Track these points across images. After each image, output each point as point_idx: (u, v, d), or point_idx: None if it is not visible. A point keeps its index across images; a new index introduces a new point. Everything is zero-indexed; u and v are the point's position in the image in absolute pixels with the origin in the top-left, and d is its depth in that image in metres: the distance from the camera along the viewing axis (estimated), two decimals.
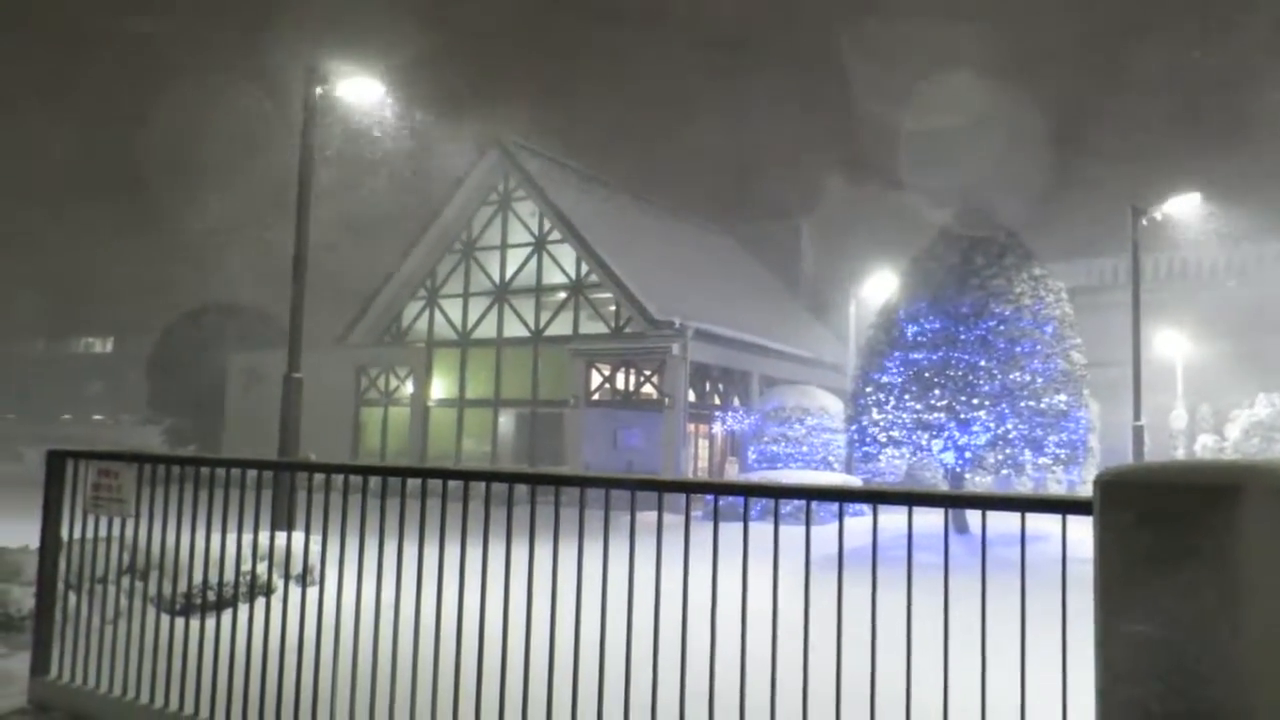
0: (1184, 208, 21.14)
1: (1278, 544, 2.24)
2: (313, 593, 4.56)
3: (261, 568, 7.23)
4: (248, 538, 5.41)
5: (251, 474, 4.70)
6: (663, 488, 3.74)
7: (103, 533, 5.07)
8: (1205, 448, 31.53)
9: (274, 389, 13.50)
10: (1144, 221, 20.55)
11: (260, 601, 4.84)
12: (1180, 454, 31.40)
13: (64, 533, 5.19)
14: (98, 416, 65.02)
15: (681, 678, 3.42)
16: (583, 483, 3.76)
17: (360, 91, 13.70)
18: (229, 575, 5.81)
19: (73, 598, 5.19)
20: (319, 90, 13.12)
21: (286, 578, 5.74)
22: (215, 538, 4.74)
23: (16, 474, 18.63)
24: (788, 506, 3.50)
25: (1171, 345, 32.70)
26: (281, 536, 7.56)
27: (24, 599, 6.17)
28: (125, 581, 5.75)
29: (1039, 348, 16.70)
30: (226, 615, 4.65)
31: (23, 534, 6.96)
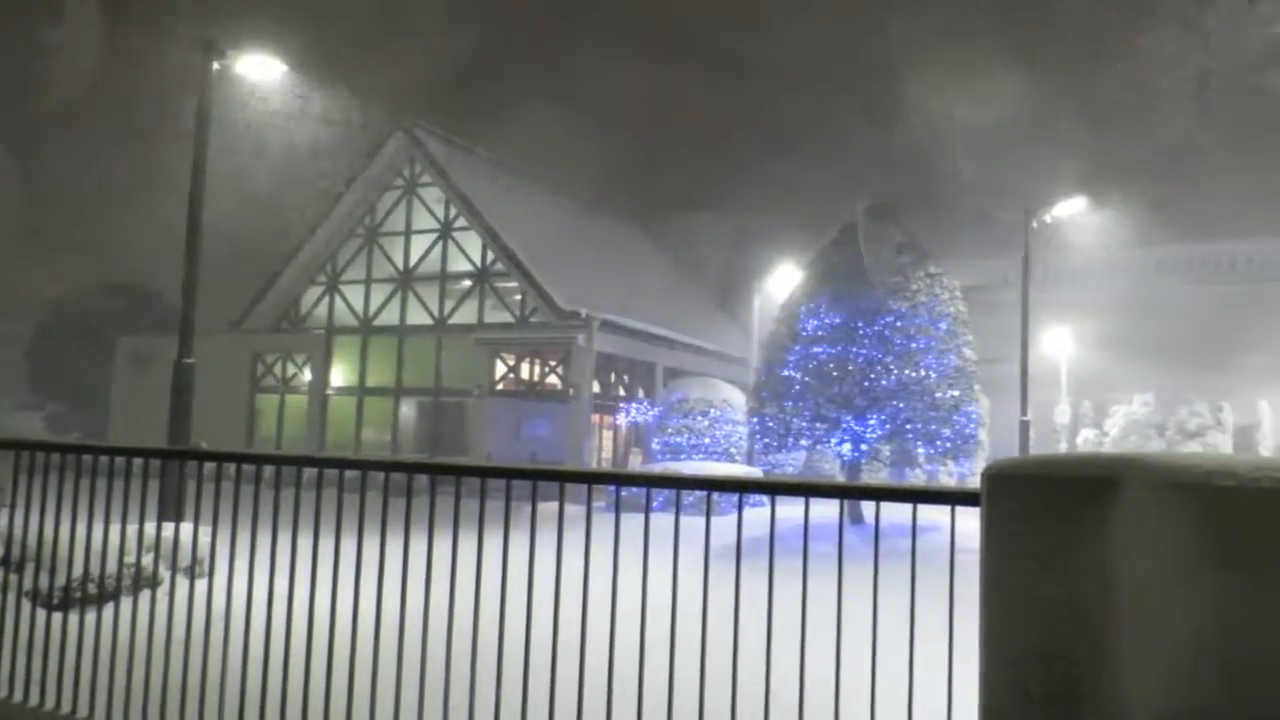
0: (1072, 211, 22.07)
1: (1151, 534, 2.35)
2: (202, 585, 4.42)
3: (148, 560, 6.96)
4: (133, 528, 5.19)
5: (139, 463, 4.52)
6: (565, 478, 3.73)
7: None
8: (1086, 442, 33.05)
9: (164, 374, 13.00)
10: (1035, 224, 21.38)
11: (146, 594, 4.66)
12: (1063, 447, 32.83)
13: None
14: None
15: (581, 667, 3.43)
16: (484, 473, 3.73)
17: (261, 68, 13.26)
18: (112, 568, 5.57)
19: None
20: (216, 65, 12.66)
21: (174, 570, 5.54)
22: (98, 528, 4.53)
23: None
24: (689, 498, 3.54)
25: (1057, 344, 34.13)
26: (170, 527, 7.30)
27: None
28: None
29: (934, 344, 17.24)
30: (109, 609, 4.47)
31: None
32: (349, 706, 3.71)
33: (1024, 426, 20.38)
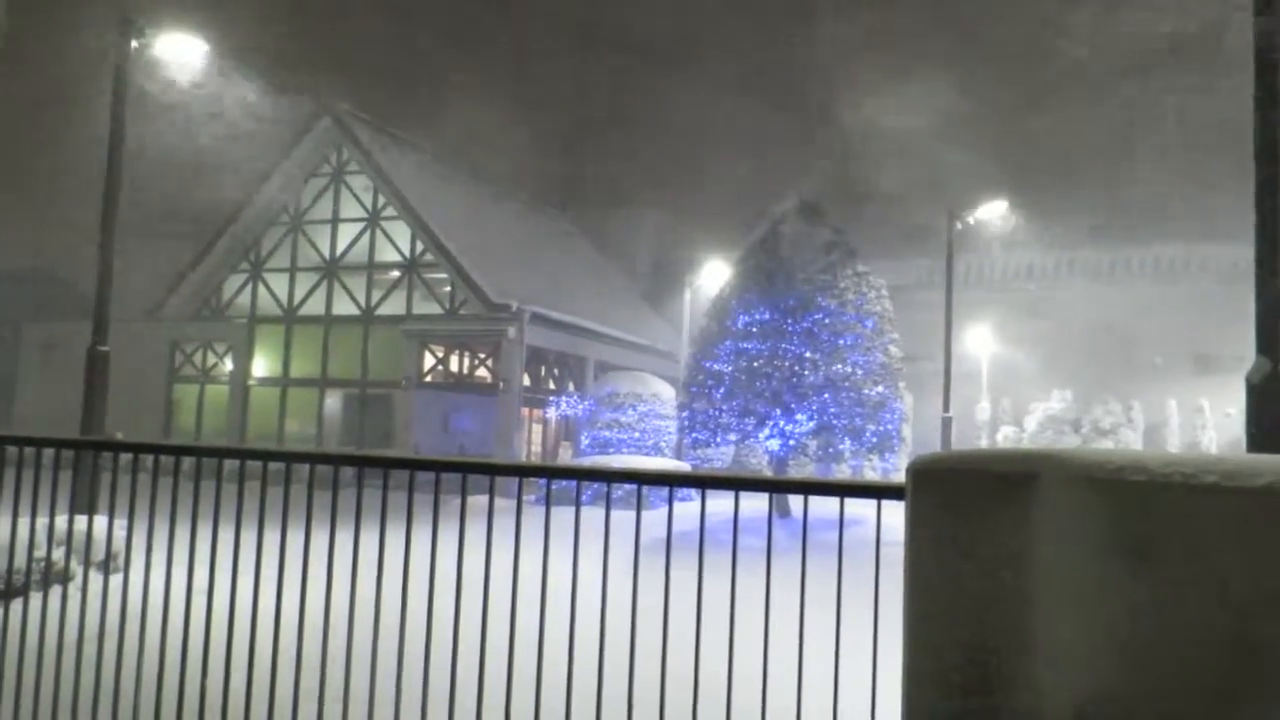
0: (993, 214, 22.65)
1: (1067, 527, 2.43)
2: (116, 580, 4.28)
3: (58, 554, 6.73)
4: (42, 522, 5.01)
5: (49, 454, 4.35)
6: (495, 471, 3.70)
7: None
8: (1006, 438, 33.98)
9: (75, 363, 12.55)
10: (958, 225, 21.88)
11: (56, 590, 4.50)
12: (984, 443, 33.71)
13: None
14: None
15: (509, 662, 3.41)
16: (413, 465, 3.68)
17: (181, 48, 12.87)
18: (20, 562, 5.37)
19: None
20: (134, 44, 12.25)
21: (87, 564, 5.36)
22: (4, 522, 4.36)
23: None
24: (619, 491, 3.55)
25: (978, 342, 35.01)
26: (82, 520, 7.05)
27: None
28: None
29: (860, 341, 17.54)
30: (16, 605, 4.30)
31: None
32: (270, 705, 3.64)
33: (946, 423, 20.88)
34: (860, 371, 17.41)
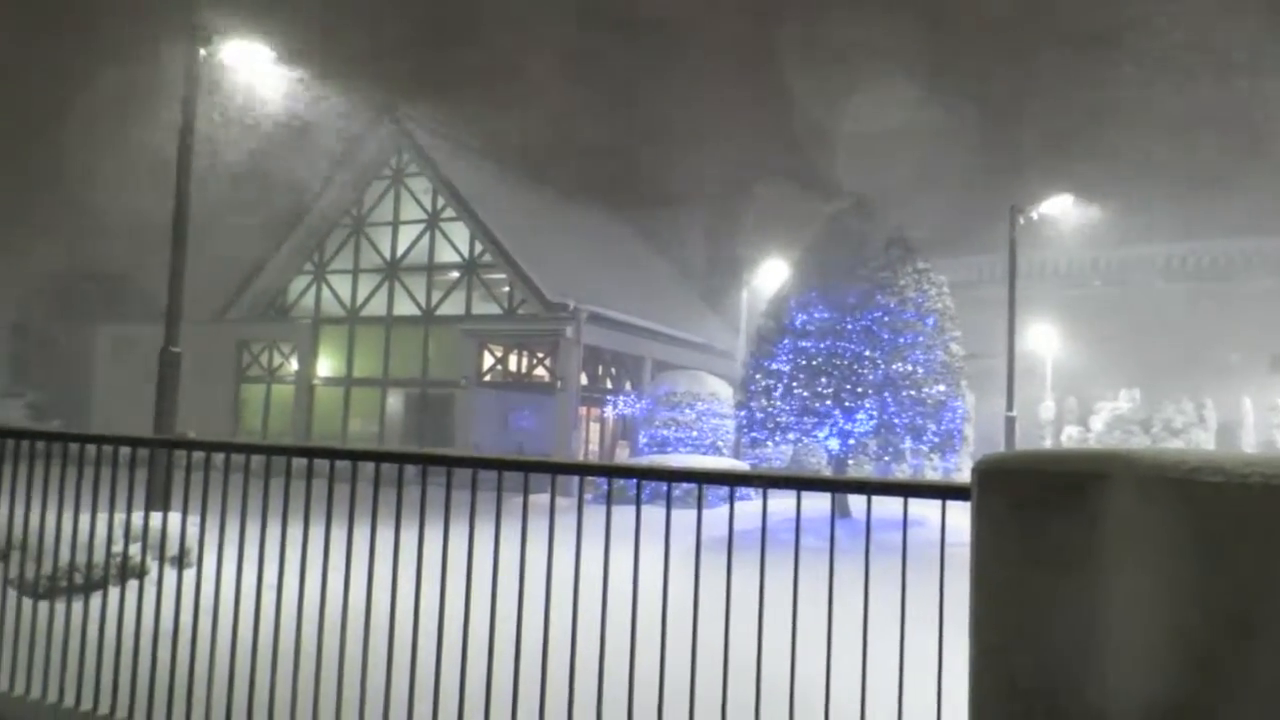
0: (1058, 209, 22.17)
1: (1138, 528, 2.37)
2: (189, 575, 4.40)
3: (134, 549, 6.94)
4: (119, 518, 5.17)
5: (125, 452, 4.49)
6: (556, 470, 3.73)
7: None
8: (1070, 438, 33.25)
9: (148, 363, 12.92)
10: (1021, 220, 21.46)
11: (132, 584, 4.64)
12: (1048, 444, 33.03)
13: None
14: None
15: (571, 658, 3.44)
16: (475, 464, 3.72)
17: (248, 55, 13.17)
18: (98, 557, 5.55)
19: None
20: (203, 52, 12.56)
21: (162, 560, 5.52)
22: (84, 518, 4.51)
23: None
24: (677, 490, 3.55)
25: (1042, 340, 34.30)
26: (156, 517, 7.26)
27: None
28: None
29: (921, 339, 17.31)
30: (96, 599, 4.45)
31: None
32: (338, 696, 3.71)
33: (1010, 422, 20.49)
34: (921, 370, 17.18)
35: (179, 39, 12.73)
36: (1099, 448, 2.71)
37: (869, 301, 17.35)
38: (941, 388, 17.24)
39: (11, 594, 4.89)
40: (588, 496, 3.59)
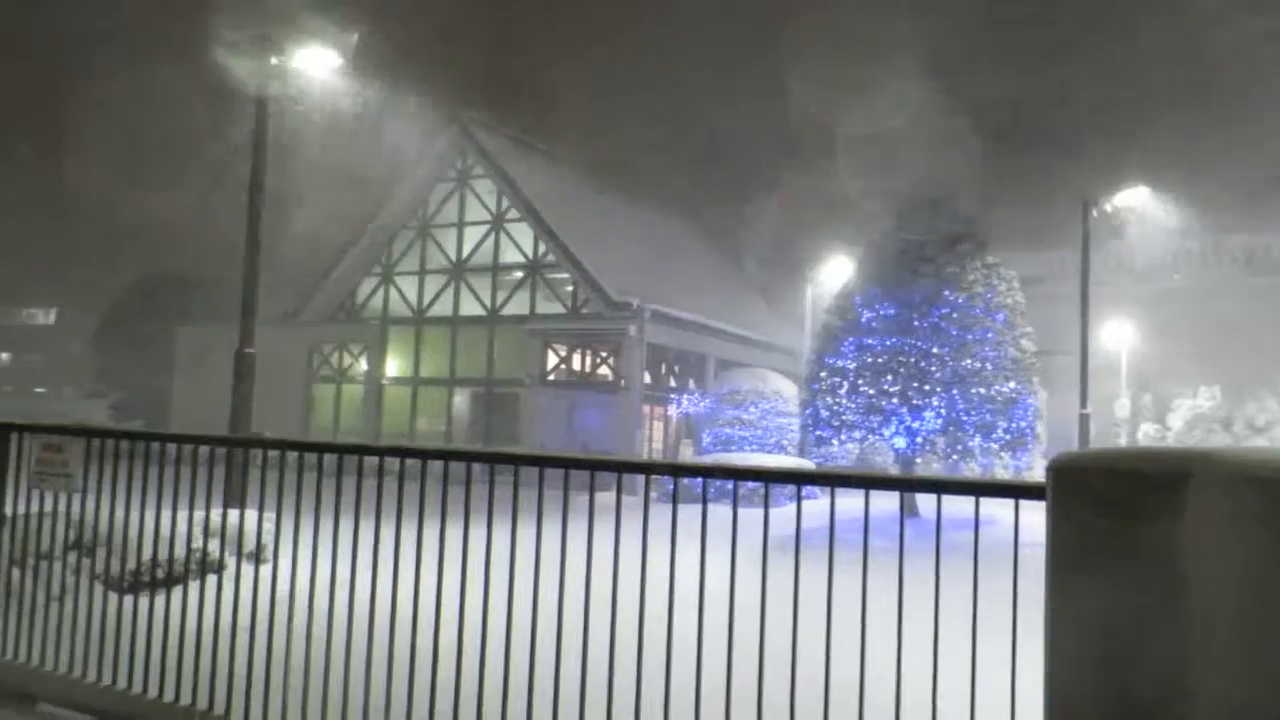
0: (1133, 201, 21.56)
1: (1224, 531, 2.30)
2: (265, 571, 4.51)
3: (212, 545, 7.14)
4: (198, 515, 5.32)
5: (203, 450, 4.62)
6: (622, 468, 3.74)
7: (48, 508, 4.96)
8: (1147, 436, 32.33)
9: (224, 364, 13.27)
10: (1094, 214, 20.93)
11: (211, 579, 4.78)
12: (1123, 442, 32.15)
13: (7, 508, 5.07)
14: (39, 389, 63.51)
15: (639, 657, 3.44)
16: (542, 462, 3.75)
17: (317, 61, 13.45)
18: (178, 552, 5.72)
19: (17, 574, 5.08)
20: (274, 60, 12.86)
21: (239, 556, 5.67)
22: (165, 514, 4.65)
23: None
24: (742, 489, 3.54)
25: (1117, 335, 33.39)
26: (233, 514, 7.46)
27: None
28: (71, 558, 5.63)
29: (990, 335, 17.00)
30: (176, 593, 4.58)
31: None
32: (410, 691, 3.77)
33: (1083, 420, 19.99)
34: (990, 367, 16.86)
35: (251, 47, 13.05)
36: (1180, 446, 2.64)
37: (936, 298, 17.07)
38: (1012, 385, 16.89)
39: (97, 588, 5.07)
40: (652, 495, 3.59)
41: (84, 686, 4.60)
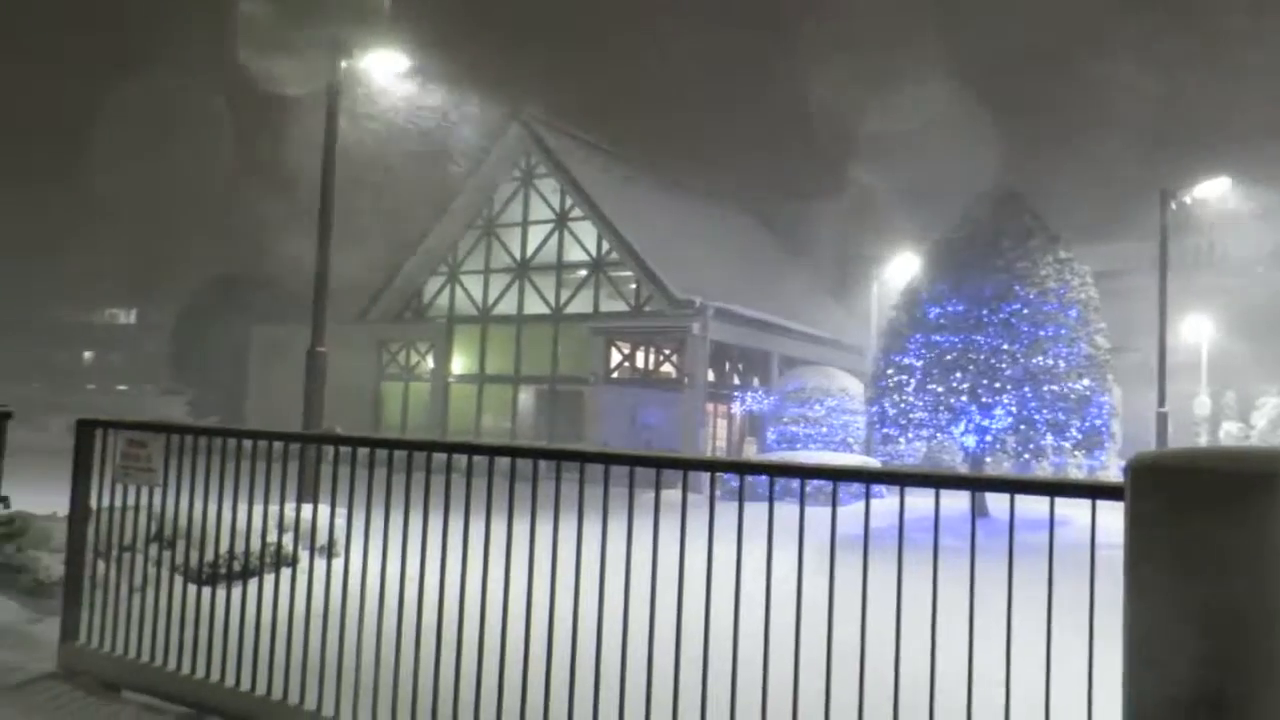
0: (1214, 192, 20.87)
1: None
2: (335, 565, 4.60)
3: (286, 539, 7.31)
4: (272, 509, 5.45)
5: (277, 446, 4.73)
6: (688, 466, 3.74)
7: (130, 501, 5.12)
8: (1229, 435, 31.29)
9: (296, 362, 13.57)
10: (1173, 205, 20.30)
11: (284, 572, 4.89)
12: (1204, 441, 31.16)
13: (92, 501, 5.25)
14: (121, 387, 65.72)
15: (704, 655, 3.43)
16: (608, 460, 3.76)
17: (385, 64, 13.68)
18: (253, 546, 5.87)
19: (101, 565, 5.26)
20: (344, 63, 13.10)
21: (312, 550, 5.80)
22: (241, 509, 4.78)
23: (42, 442, 19.03)
24: (807, 487, 3.51)
25: (1197, 331, 32.36)
26: (306, 509, 7.63)
27: (53, 566, 6.25)
28: (152, 550, 5.81)
29: (1063, 332, 16.60)
30: (252, 585, 4.70)
31: (49, 501, 7.05)
32: (477, 685, 3.82)
33: (1161, 418, 19.43)
34: (1063, 363, 16.46)
35: (322, 52, 13.31)
36: (1265, 446, 2.54)
37: (1007, 293, 16.72)
38: (1086, 382, 16.48)
39: (177, 580, 5.22)
40: (717, 493, 3.58)
41: (164, 675, 4.74)
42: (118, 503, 5.14)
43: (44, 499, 7.24)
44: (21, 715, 4.51)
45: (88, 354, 71.00)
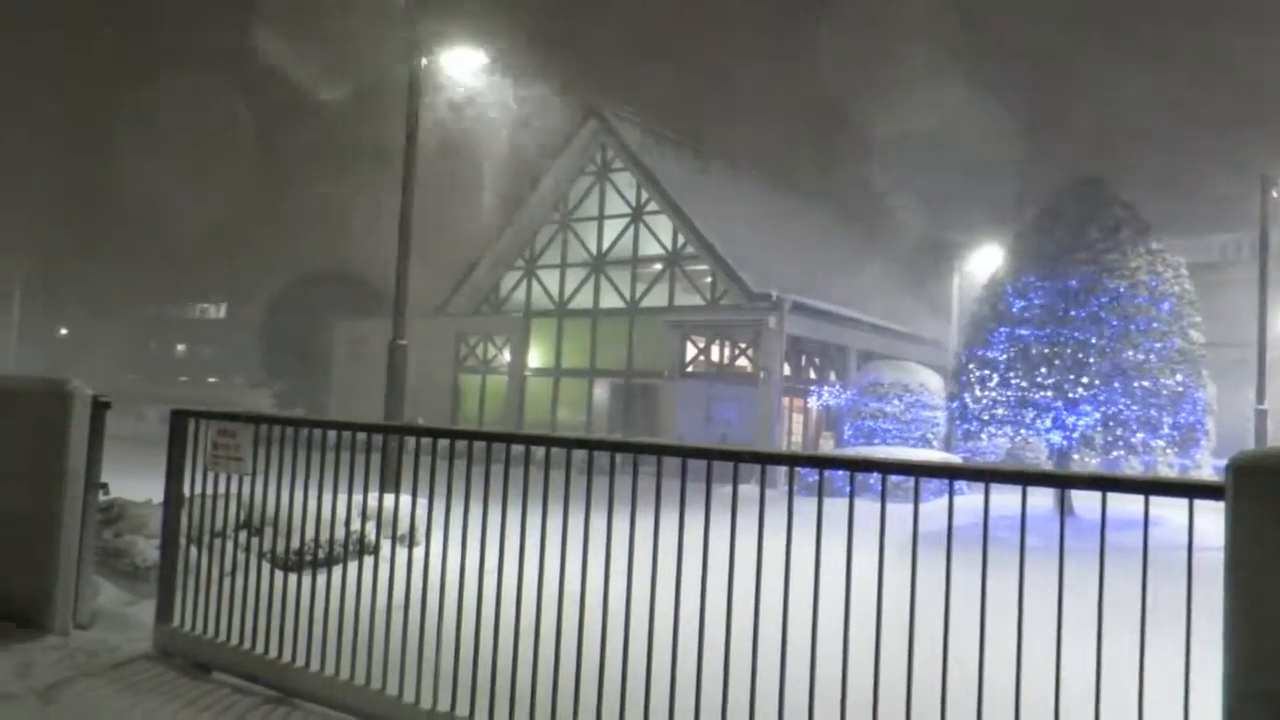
0: None
1: None
2: (416, 554, 4.68)
3: (368, 528, 7.47)
4: (355, 498, 5.57)
5: (360, 437, 4.83)
6: (765, 460, 3.70)
7: (220, 490, 5.27)
8: None
9: (378, 355, 13.86)
10: (1276, 193, 19.44)
11: (366, 561, 4.99)
12: None
13: (185, 489, 5.42)
14: (211, 379, 68.04)
15: (782, 653, 3.40)
16: (685, 453, 3.74)
17: (462, 61, 13.86)
18: (337, 534, 6.01)
19: (193, 551, 5.44)
20: (424, 61, 13.31)
21: (393, 539, 5.92)
22: (325, 498, 4.89)
23: (139, 432, 19.76)
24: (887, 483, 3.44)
25: None
26: (388, 498, 7.79)
27: (149, 551, 6.49)
28: (241, 537, 5.99)
29: (1155, 325, 16.04)
30: (335, 572, 4.81)
31: (144, 489, 7.32)
32: (555, 674, 3.84)
33: (1260, 416, 18.64)
34: (1155, 358, 15.89)
35: (401, 51, 13.55)
36: None
37: (1095, 286, 16.21)
38: (1179, 378, 15.89)
39: (264, 566, 5.37)
40: (794, 488, 3.53)
41: (252, 658, 4.88)
42: (209, 491, 5.30)
43: (141, 486, 7.52)
44: (120, 693, 4.69)
45: (180, 347, 73.64)
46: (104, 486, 5.94)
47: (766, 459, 3.67)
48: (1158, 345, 15.93)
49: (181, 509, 5.41)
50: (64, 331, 69.58)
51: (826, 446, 27.03)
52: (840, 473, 3.62)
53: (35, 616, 5.50)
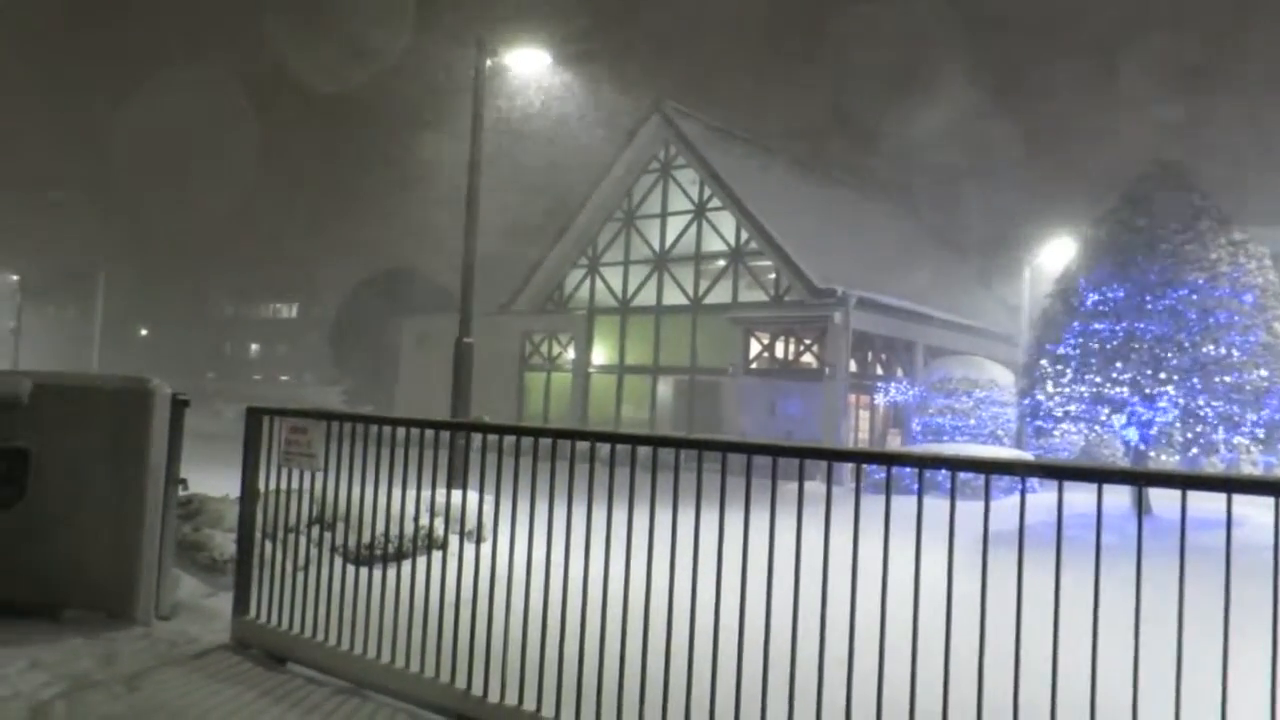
0: None
1: None
2: (483, 549, 4.74)
3: (436, 523, 7.58)
4: (425, 494, 5.65)
5: (428, 434, 4.90)
6: (831, 457, 3.67)
7: (294, 485, 5.40)
8: None
9: (444, 352, 14.03)
10: None
11: (435, 556, 5.06)
12: None
13: (260, 484, 5.56)
14: (284, 377, 69.74)
15: (850, 650, 3.37)
16: (750, 450, 3.73)
17: (527, 61, 13.97)
18: (407, 529, 6.11)
19: (268, 545, 5.58)
20: (489, 62, 13.44)
21: (462, 534, 6.00)
22: (395, 493, 4.97)
23: (216, 429, 20.35)
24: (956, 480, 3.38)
25: None
26: (455, 494, 7.90)
27: (225, 545, 6.68)
28: (314, 531, 6.13)
29: (1237, 319, 15.48)
30: (406, 566, 4.89)
31: (223, 484, 7.53)
32: (621, 669, 3.86)
33: None
34: (1237, 353, 15.35)
35: (466, 52, 13.70)
36: None
37: (1174, 279, 15.70)
38: (1263, 373, 15.31)
39: (337, 560, 5.49)
40: (861, 485, 3.49)
41: (325, 650, 4.99)
42: (282, 486, 5.43)
43: (218, 482, 7.74)
44: (201, 683, 4.83)
45: (254, 346, 75.59)
46: (183, 482, 6.12)
47: (832, 455, 3.64)
48: (1239, 339, 15.38)
49: (257, 504, 5.55)
50: (144, 332, 71.91)
51: (894, 443, 26.68)
52: (908, 470, 3.58)
53: (121, 607, 5.69)
